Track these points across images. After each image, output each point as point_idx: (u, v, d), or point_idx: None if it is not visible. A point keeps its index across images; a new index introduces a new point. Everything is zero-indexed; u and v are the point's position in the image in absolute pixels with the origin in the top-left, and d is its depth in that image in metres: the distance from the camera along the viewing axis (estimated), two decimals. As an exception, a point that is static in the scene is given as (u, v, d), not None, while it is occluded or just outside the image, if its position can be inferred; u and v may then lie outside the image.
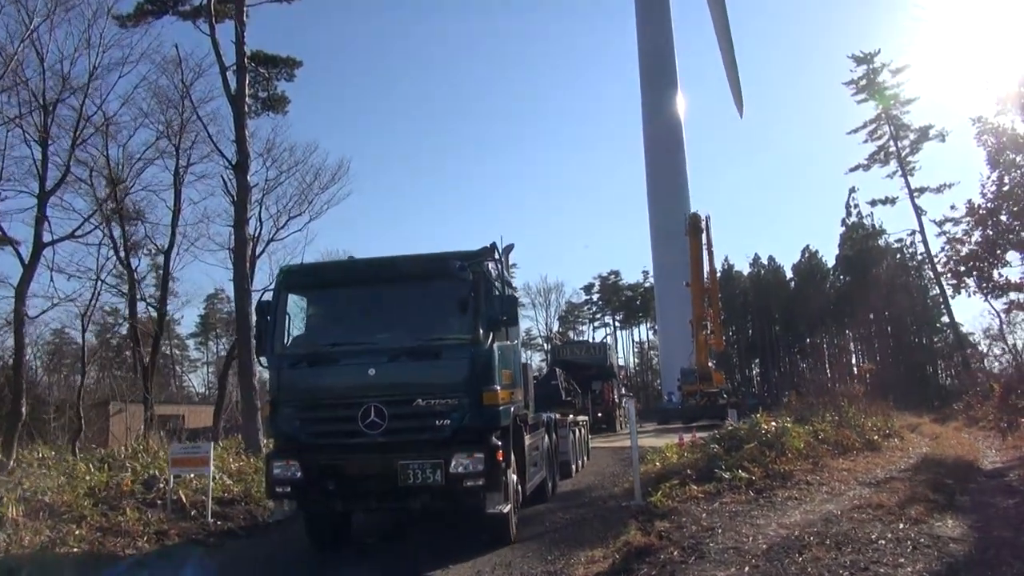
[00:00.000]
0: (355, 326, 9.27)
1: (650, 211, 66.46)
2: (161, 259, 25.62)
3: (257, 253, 25.09)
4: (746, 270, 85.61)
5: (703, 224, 41.54)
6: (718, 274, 65.32)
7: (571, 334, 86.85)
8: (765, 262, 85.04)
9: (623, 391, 45.27)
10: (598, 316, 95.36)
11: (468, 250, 8.98)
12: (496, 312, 8.64)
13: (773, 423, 13.96)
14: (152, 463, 14.33)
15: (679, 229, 43.31)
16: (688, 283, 41.48)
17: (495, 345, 8.71)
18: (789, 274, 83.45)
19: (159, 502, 11.51)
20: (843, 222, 71.20)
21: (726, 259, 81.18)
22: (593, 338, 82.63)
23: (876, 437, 16.95)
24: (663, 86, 66.15)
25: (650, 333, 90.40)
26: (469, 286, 8.54)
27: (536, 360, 77.02)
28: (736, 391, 46.46)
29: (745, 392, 57.77)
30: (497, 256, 9.14)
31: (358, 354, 8.69)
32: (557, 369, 23.33)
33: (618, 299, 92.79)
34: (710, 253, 42.03)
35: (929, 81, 79.37)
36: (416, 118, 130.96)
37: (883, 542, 6.66)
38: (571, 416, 18.60)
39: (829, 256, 78.63)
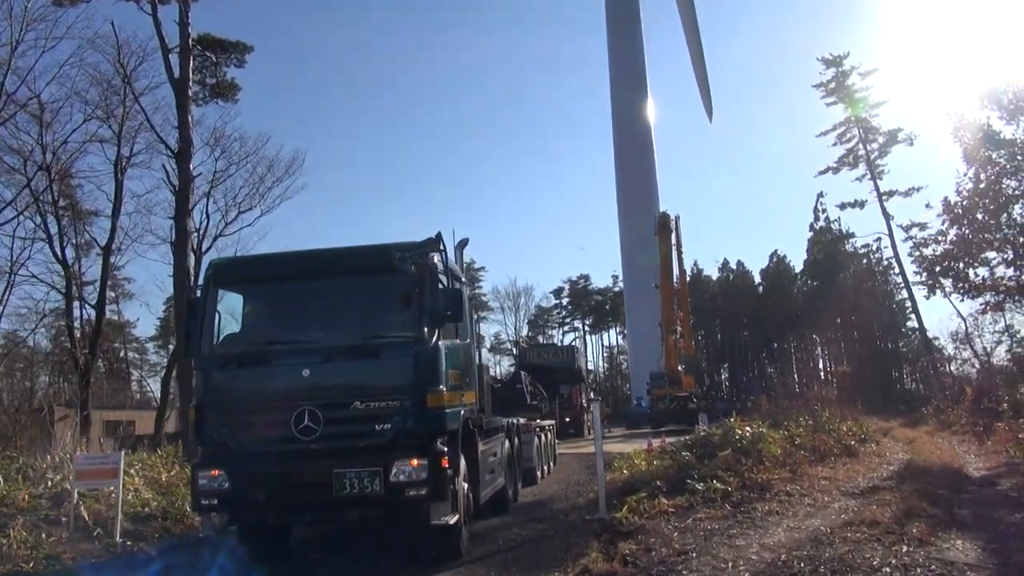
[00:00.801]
0: (290, 324, 8.62)
1: (620, 215, 65.85)
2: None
3: (204, 248, 23.70)
4: (715, 275, 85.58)
5: (672, 224, 40.82)
6: (688, 277, 65.10)
7: (540, 338, 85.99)
8: (734, 267, 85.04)
9: (592, 395, 44.41)
10: (567, 320, 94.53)
11: (411, 241, 8.30)
12: (440, 307, 7.93)
13: (748, 428, 13.00)
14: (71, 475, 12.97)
15: (649, 233, 42.59)
16: (657, 285, 40.70)
17: (441, 343, 8.06)
18: (758, 279, 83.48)
19: (64, 519, 10.20)
20: (811, 226, 71.33)
21: (695, 264, 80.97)
22: (562, 342, 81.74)
23: (853, 442, 16.19)
24: (633, 91, 65.67)
25: (620, 338, 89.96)
26: (412, 279, 7.93)
27: (505, 364, 76.31)
28: (706, 395, 45.68)
29: (715, 396, 57.12)
30: (442, 247, 8.37)
31: (291, 354, 8.06)
32: (522, 372, 22.43)
33: (588, 303, 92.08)
34: (679, 254, 41.30)
35: (898, 84, 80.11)
36: (381, 112, 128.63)
37: (888, 570, 5.63)
38: (536, 421, 17.75)
39: (797, 261, 78.80)
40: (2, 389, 34.66)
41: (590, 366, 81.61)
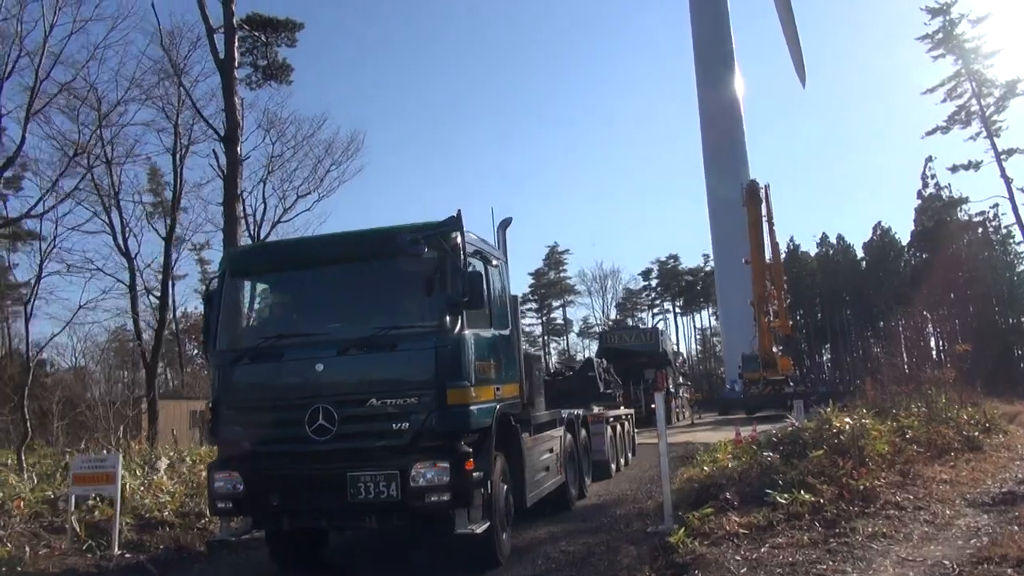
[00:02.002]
0: (306, 314, 8.20)
1: (708, 191, 63.71)
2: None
3: (263, 235, 22.96)
4: (813, 251, 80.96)
5: (762, 192, 37.99)
6: (783, 255, 61.63)
7: (629, 321, 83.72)
8: (833, 241, 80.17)
9: (680, 380, 42.22)
10: (657, 302, 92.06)
11: (429, 221, 7.61)
12: (457, 293, 7.16)
13: (848, 419, 10.89)
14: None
15: (739, 209, 39.84)
16: (747, 260, 38.02)
17: (468, 333, 7.34)
18: (860, 253, 78.42)
19: (68, 527, 9.32)
20: (919, 194, 66.26)
21: (791, 240, 76.93)
22: (652, 325, 79.30)
23: (976, 433, 13.77)
24: (719, 63, 63.19)
25: (712, 318, 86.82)
26: (430, 264, 7.26)
27: (593, 348, 74.44)
28: (804, 378, 42.67)
29: (815, 379, 53.67)
30: (462, 226, 7.55)
31: (305, 347, 7.56)
32: (595, 359, 20.73)
33: (677, 284, 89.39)
34: (771, 225, 38.44)
35: (1013, 31, 72.91)
36: (445, 91, 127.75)
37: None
38: (608, 410, 16.28)
39: (903, 232, 73.56)
40: (98, 382, 35.31)
41: (679, 348, 79.12)
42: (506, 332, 8.65)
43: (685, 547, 6.48)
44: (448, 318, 7.16)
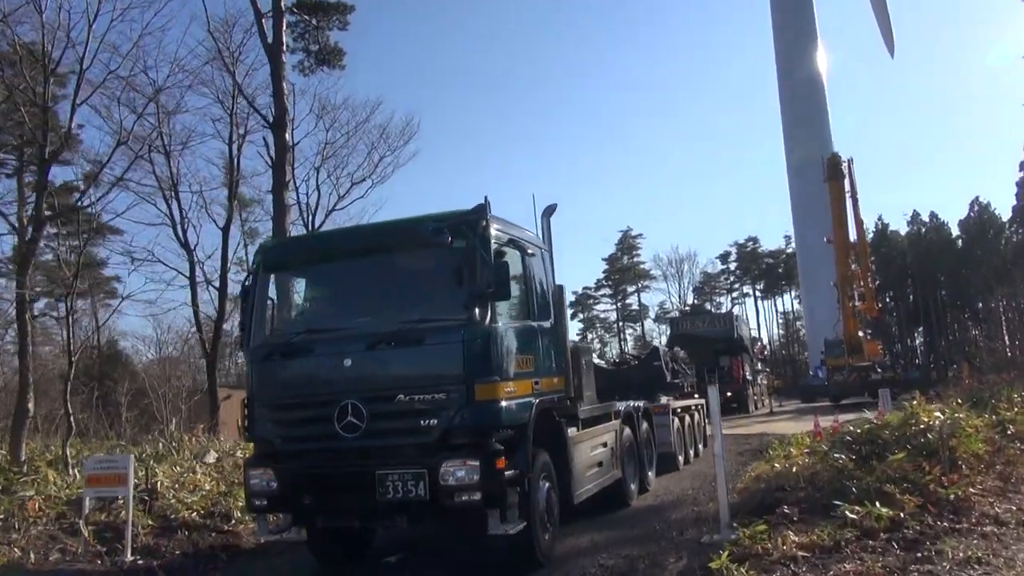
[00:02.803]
0: (337, 308, 8.16)
1: (789, 170, 61.96)
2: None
3: (317, 224, 22.65)
4: (903, 229, 76.62)
5: (844, 166, 35.71)
6: (869, 233, 58.45)
7: (707, 306, 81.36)
8: (926, 219, 75.56)
9: (759, 366, 40.39)
10: (736, 286, 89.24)
11: (457, 210, 7.42)
12: (482, 285, 6.90)
13: (937, 413, 9.49)
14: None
15: (821, 186, 37.60)
16: (830, 239, 35.86)
17: (498, 325, 7.10)
18: (955, 231, 73.73)
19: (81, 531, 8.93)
20: (1022, 166, 61.61)
21: (880, 219, 73.15)
22: (730, 310, 76.92)
23: (1091, 429, 12.07)
24: (800, 36, 61.44)
25: (795, 302, 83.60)
26: (459, 255, 7.02)
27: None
28: (894, 364, 40.23)
29: (906, 365, 50.72)
30: (488, 216, 7.28)
31: (334, 342, 7.43)
32: (661, 347, 19.69)
33: (757, 267, 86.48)
34: (854, 201, 36.14)
35: None
36: (506, 70, 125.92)
37: None
38: (675, 400, 15.72)
39: (1004, 208, 68.64)
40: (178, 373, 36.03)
41: (758, 334, 76.41)
42: (548, 323, 8.31)
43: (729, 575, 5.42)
44: (477, 310, 6.87)
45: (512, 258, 7.51)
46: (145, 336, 35.17)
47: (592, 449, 9.40)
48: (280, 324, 8.16)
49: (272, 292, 8.16)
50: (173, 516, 9.86)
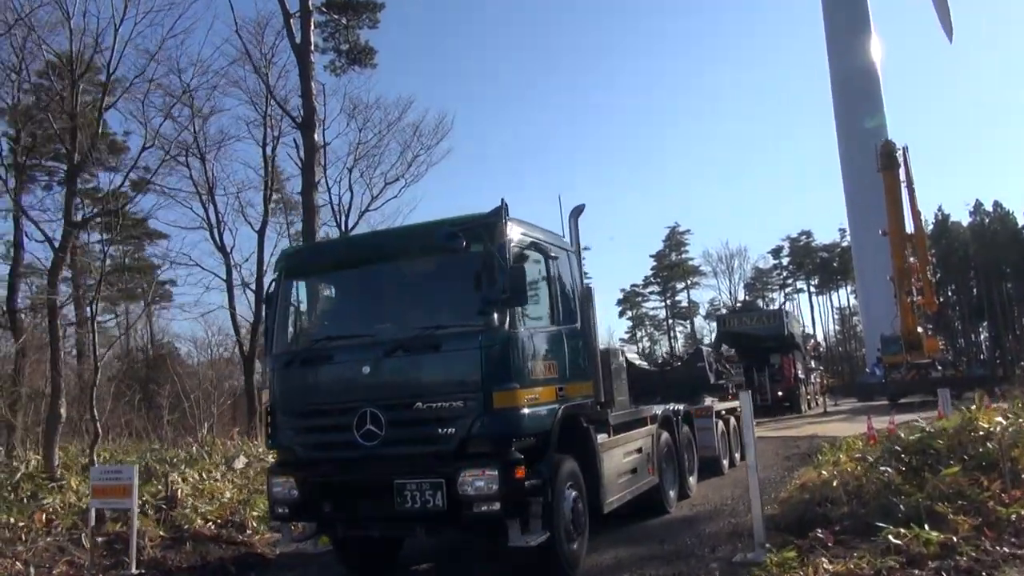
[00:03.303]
0: (357, 315, 8.00)
1: (842, 161, 60.43)
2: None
3: (351, 225, 22.43)
4: (965, 220, 73.62)
5: (899, 154, 34.13)
6: (929, 225, 56.22)
7: (760, 302, 79.35)
8: (989, 209, 72.44)
9: (812, 364, 39.01)
10: (789, 282, 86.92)
11: (474, 213, 7.25)
12: (497, 291, 6.73)
13: (999, 418, 8.61)
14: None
15: (876, 177, 35.97)
16: (885, 231, 34.33)
17: (519, 331, 6.95)
18: (1021, 221, 70.52)
19: (100, 540, 8.71)
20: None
21: (940, 209, 70.39)
22: (779, 306, 75.00)
23: None
24: (852, 23, 59.70)
25: (851, 297, 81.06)
26: (476, 259, 6.85)
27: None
28: (956, 361, 38.39)
29: (969, 361, 48.45)
30: (505, 219, 7.09)
31: (353, 349, 7.35)
32: (704, 348, 18.99)
33: (811, 261, 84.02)
34: (911, 191, 34.47)
35: None
36: (546, 68, 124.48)
37: None
38: (719, 402, 15.05)
39: (1075, 194, 65.37)
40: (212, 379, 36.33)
41: (813, 330, 74.31)
42: (575, 327, 8.12)
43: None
44: (496, 315, 6.75)
45: (533, 261, 7.44)
46: (196, 338, 35.51)
47: (625, 455, 9.13)
48: (301, 331, 8.11)
49: (294, 299, 8.12)
50: (187, 527, 9.62)
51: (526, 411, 6.82)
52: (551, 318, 7.73)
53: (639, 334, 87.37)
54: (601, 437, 8.33)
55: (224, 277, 22.99)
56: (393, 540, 8.27)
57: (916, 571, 5.13)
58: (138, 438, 22.84)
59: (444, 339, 6.90)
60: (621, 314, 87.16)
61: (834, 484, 7.57)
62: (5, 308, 20.59)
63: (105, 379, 33.39)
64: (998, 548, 5.54)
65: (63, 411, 14.70)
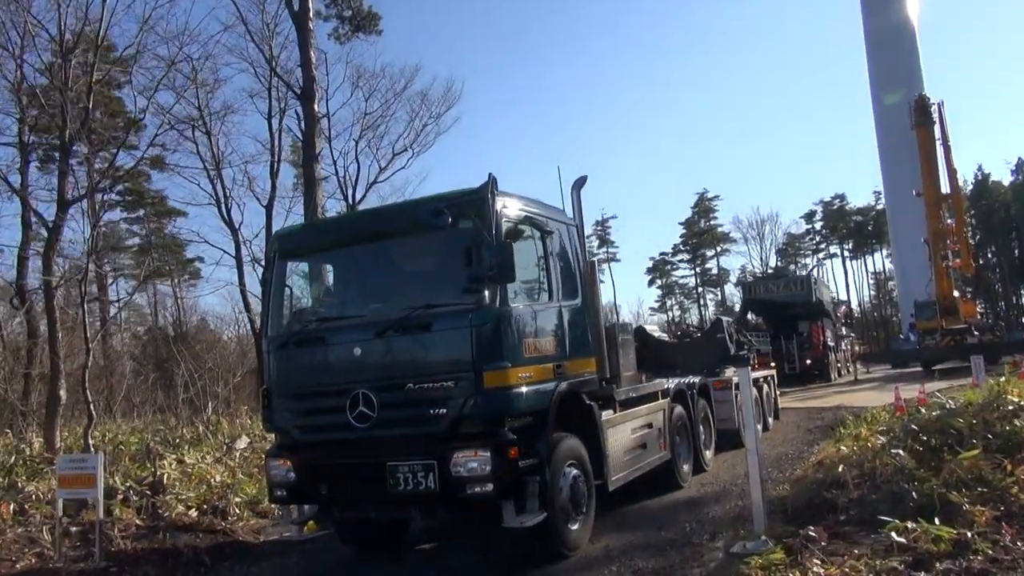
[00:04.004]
0: (350, 295, 8.02)
1: (876, 120, 58.33)
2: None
3: (358, 198, 21.91)
4: (1007, 179, 71.09)
5: (934, 110, 32.61)
6: (968, 185, 54.23)
7: (792, 268, 77.85)
8: (1032, 167, 69.98)
9: (843, 331, 37.95)
10: (822, 246, 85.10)
11: (462, 189, 7.14)
12: (483, 268, 6.60)
13: (1031, 393, 7.88)
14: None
15: (911, 136, 34.46)
16: (919, 191, 32.96)
17: (511, 308, 6.83)
18: (1065, 178, 68.06)
19: (74, 529, 8.39)
20: None
21: (979, 168, 68.12)
22: (807, 272, 73.45)
23: None
24: None
25: (886, 261, 79.12)
26: (463, 235, 6.71)
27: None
28: (994, 326, 36.97)
29: (1008, 325, 46.78)
30: (493, 193, 6.91)
31: (345, 330, 7.31)
32: (724, 319, 18.34)
33: (845, 226, 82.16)
34: (946, 148, 32.99)
35: None
36: (565, 26, 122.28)
37: None
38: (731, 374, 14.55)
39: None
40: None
41: (847, 296, 72.62)
42: (575, 302, 7.96)
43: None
44: (486, 293, 6.61)
45: (526, 236, 7.30)
46: (224, 315, 35.40)
47: (634, 431, 8.99)
48: (296, 312, 8.00)
49: (289, 280, 8.02)
50: (167, 513, 9.27)
51: (519, 390, 6.70)
52: (548, 294, 7.56)
53: (669, 302, 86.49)
54: (607, 413, 8.22)
55: (233, 253, 22.54)
56: (397, 520, 8.07)
57: (921, 574, 4.47)
58: (156, 416, 22.84)
59: (434, 318, 6.78)
60: (651, 283, 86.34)
61: (840, 469, 6.86)
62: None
63: (127, 357, 33.58)
64: (1019, 544, 4.86)
65: (63, 393, 14.53)
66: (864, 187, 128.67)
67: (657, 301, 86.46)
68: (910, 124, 33.38)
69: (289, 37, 21.19)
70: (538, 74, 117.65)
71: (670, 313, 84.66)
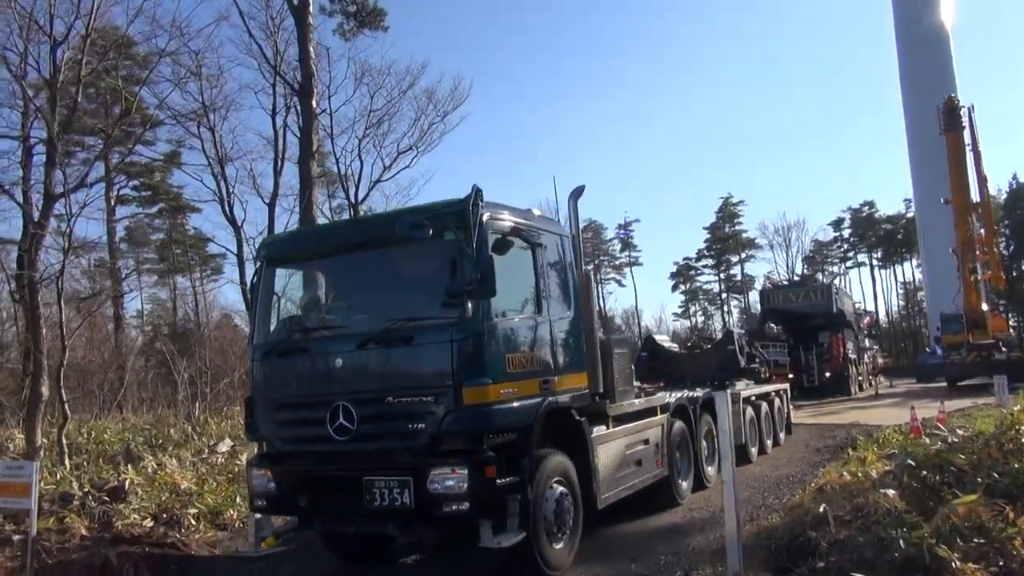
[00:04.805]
0: (335, 305, 8.00)
1: (907, 126, 58.22)
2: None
3: (360, 198, 21.43)
4: (1045, 187, 68.95)
5: (964, 113, 31.38)
6: (1003, 195, 52.66)
7: (819, 276, 76.35)
8: (1071, 176, 67.77)
9: (866, 343, 36.82)
10: (850, 255, 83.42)
11: (445, 200, 7.12)
12: (461, 282, 6.53)
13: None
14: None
15: (943, 143, 33.25)
16: (947, 199, 31.78)
17: (494, 323, 6.75)
18: (1103, 189, 65.73)
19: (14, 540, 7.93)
20: None
21: (1015, 177, 66.00)
22: (844, 279, 71.87)
23: None
24: None
25: (917, 271, 77.32)
26: (447, 248, 6.69)
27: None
28: (1022, 343, 35.57)
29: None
30: (475, 206, 6.78)
31: (327, 341, 7.32)
32: (736, 331, 17.84)
33: (874, 234, 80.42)
34: (976, 154, 31.71)
35: None
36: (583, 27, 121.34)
37: None
38: (748, 388, 14.69)
39: None
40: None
41: (875, 306, 71.01)
42: (566, 315, 7.86)
43: None
44: (469, 306, 6.52)
45: (514, 249, 7.16)
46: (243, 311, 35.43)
47: (628, 448, 8.83)
48: (281, 321, 7.93)
49: (274, 288, 7.95)
50: (119, 523, 8.82)
51: (500, 407, 6.61)
52: (536, 307, 7.45)
53: (693, 308, 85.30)
54: (599, 429, 8.11)
55: (235, 251, 22.17)
56: (377, 534, 7.89)
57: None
58: (157, 413, 22.62)
59: (415, 332, 6.72)
60: (674, 288, 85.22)
61: (821, 509, 6.16)
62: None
63: (137, 352, 33.41)
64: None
65: (45, 390, 14.19)
66: (894, 194, 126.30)
67: (680, 307, 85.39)
68: (939, 129, 32.20)
69: (294, 33, 20.87)
70: (556, 75, 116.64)
71: (693, 319, 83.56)
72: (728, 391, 13.79)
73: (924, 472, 6.37)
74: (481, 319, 6.59)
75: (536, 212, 8.09)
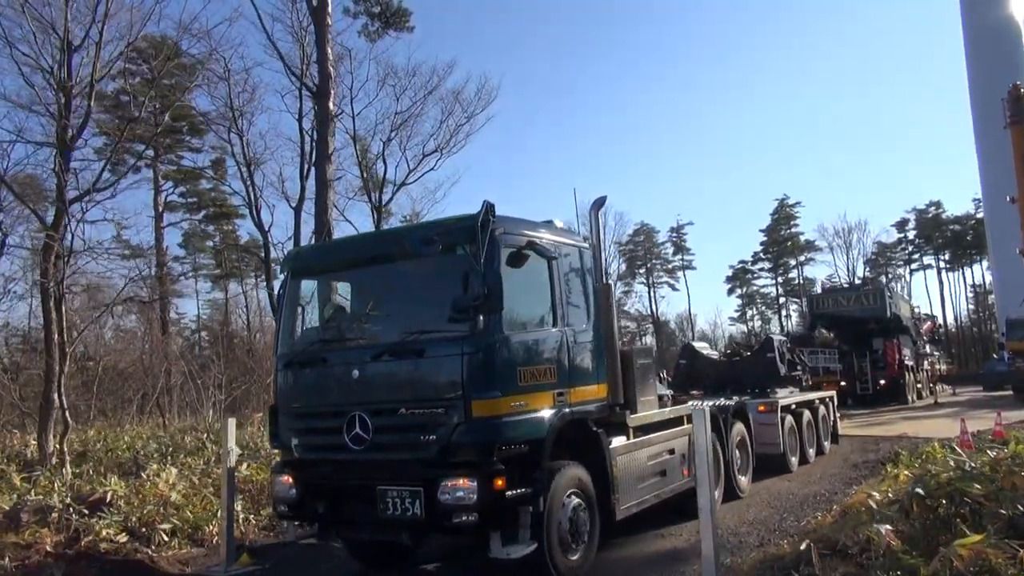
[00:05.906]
0: (355, 317, 7.98)
1: (975, 125, 56.43)
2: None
3: (385, 200, 21.07)
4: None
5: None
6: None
7: (883, 278, 73.56)
8: None
9: (926, 349, 34.98)
10: (915, 257, 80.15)
11: (457, 215, 7.24)
12: (468, 297, 6.61)
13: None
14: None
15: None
16: (1013, 197, 29.83)
17: (506, 336, 6.84)
18: None
19: None
20: None
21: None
22: (908, 282, 69.06)
23: None
24: None
25: (986, 274, 73.89)
26: (459, 262, 6.78)
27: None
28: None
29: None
30: (492, 218, 6.89)
31: (345, 352, 7.46)
32: (775, 337, 17.01)
33: (941, 235, 77.12)
34: (1047, 148, 29.70)
35: None
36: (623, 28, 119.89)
37: None
38: (788, 397, 14.36)
39: None
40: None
41: (941, 309, 68.04)
42: (584, 327, 7.89)
43: None
44: (481, 320, 6.59)
45: (528, 262, 7.22)
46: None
47: (650, 458, 8.79)
48: (303, 332, 8.15)
49: (298, 300, 8.17)
50: (90, 537, 8.49)
51: (510, 419, 6.68)
52: (552, 320, 7.49)
53: (749, 312, 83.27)
54: (618, 440, 8.14)
55: (263, 257, 22.12)
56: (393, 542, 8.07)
57: None
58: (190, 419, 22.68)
59: (428, 344, 6.85)
60: (730, 292, 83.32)
61: (803, 546, 5.35)
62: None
63: (175, 358, 33.75)
64: None
65: (56, 397, 14.12)
66: (963, 194, 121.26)
67: (737, 311, 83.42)
68: (1004, 122, 30.20)
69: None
70: (604, 74, 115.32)
71: (750, 324, 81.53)
72: (755, 400, 13.19)
73: (933, 503, 5.49)
74: (492, 332, 6.67)
75: (558, 223, 8.17)
